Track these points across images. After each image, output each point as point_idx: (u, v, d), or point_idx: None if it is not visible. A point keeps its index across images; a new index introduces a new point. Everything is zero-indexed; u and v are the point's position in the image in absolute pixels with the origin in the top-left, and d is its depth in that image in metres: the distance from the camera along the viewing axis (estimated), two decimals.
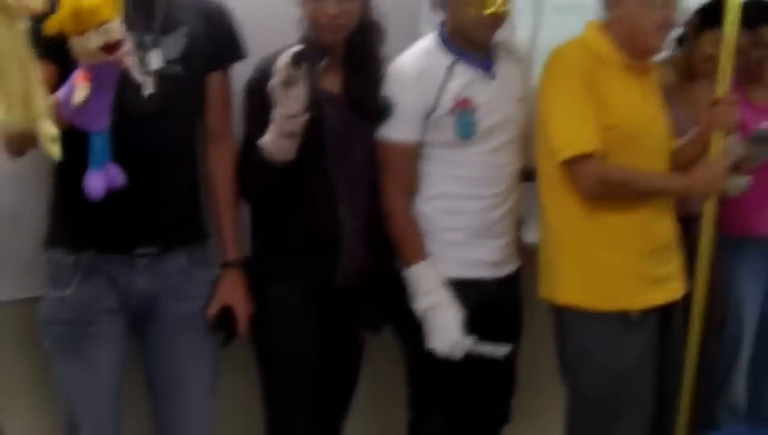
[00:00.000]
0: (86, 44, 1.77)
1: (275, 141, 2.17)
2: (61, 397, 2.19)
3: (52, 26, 1.75)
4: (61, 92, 1.85)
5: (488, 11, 2.34)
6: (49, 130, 1.79)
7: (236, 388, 2.48)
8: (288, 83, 2.11)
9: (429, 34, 2.49)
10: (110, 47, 1.78)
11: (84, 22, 1.75)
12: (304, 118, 2.16)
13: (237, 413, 2.54)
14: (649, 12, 2.37)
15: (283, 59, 2.10)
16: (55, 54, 1.87)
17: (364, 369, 2.60)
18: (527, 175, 2.58)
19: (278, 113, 2.15)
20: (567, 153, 2.35)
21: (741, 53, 2.66)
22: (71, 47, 1.78)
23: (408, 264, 2.41)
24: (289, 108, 2.13)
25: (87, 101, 1.81)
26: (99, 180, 1.91)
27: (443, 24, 2.46)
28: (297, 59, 2.10)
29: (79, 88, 1.81)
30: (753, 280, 3.05)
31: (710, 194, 2.50)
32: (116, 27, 1.79)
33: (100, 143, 1.90)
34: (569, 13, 2.69)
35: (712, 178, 2.42)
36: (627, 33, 2.40)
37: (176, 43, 2.14)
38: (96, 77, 1.82)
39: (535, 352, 2.71)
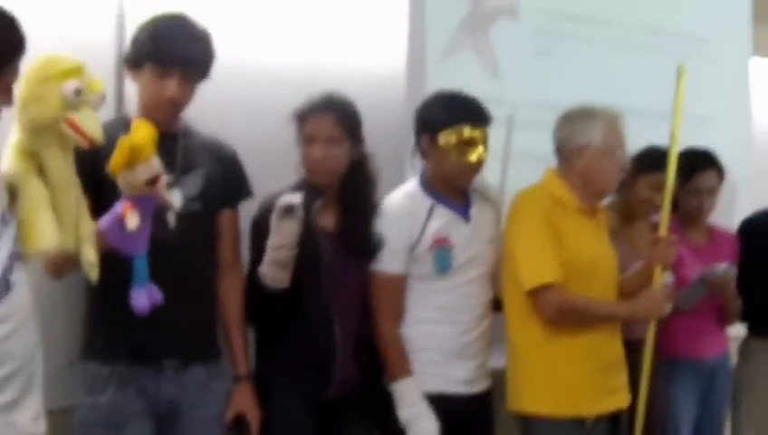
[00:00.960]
0: (134, 178, 2.12)
1: (268, 269, 2.52)
2: None
3: (115, 165, 2.10)
4: (104, 221, 2.17)
5: (471, 158, 2.76)
6: (90, 255, 2.11)
7: None
8: (281, 217, 2.47)
9: (412, 179, 2.93)
10: (153, 181, 2.14)
11: (134, 158, 2.10)
12: (293, 251, 2.52)
13: None
14: (610, 161, 2.84)
15: (284, 199, 2.49)
16: (90, 186, 2.19)
17: None
18: (497, 305, 2.98)
19: (269, 244, 2.51)
20: (531, 284, 2.78)
21: (677, 198, 3.14)
22: (118, 181, 2.13)
23: (394, 379, 2.78)
24: (278, 240, 2.49)
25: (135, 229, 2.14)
26: (143, 298, 2.23)
27: (423, 170, 2.89)
28: (291, 205, 2.46)
29: (130, 217, 2.13)
30: (686, 399, 3.45)
31: (652, 318, 2.94)
32: (157, 163, 2.15)
33: (141, 265, 2.23)
34: (531, 159, 3.12)
35: (653, 305, 2.87)
36: (586, 180, 2.88)
37: (194, 183, 2.52)
38: (140, 207, 2.16)
39: None
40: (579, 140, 2.89)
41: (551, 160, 2.99)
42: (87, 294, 2.48)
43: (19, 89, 1.97)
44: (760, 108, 4.43)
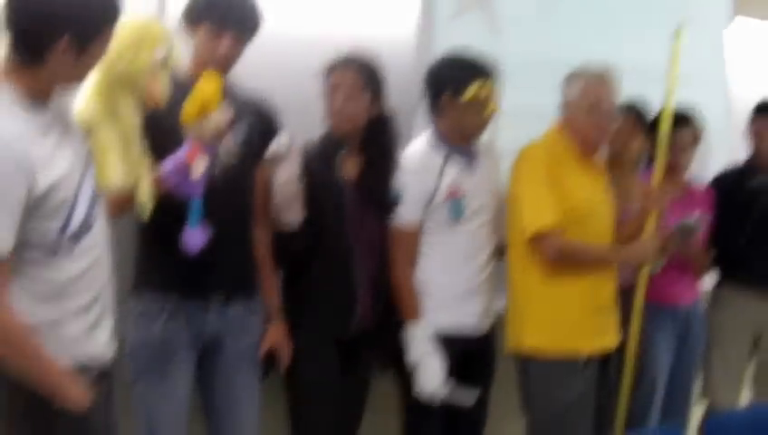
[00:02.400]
0: (206, 126, 2.44)
1: (279, 208, 2.90)
2: (139, 415, 2.77)
3: (189, 114, 2.43)
4: (168, 166, 2.47)
5: (488, 112, 3.15)
6: (145, 195, 2.42)
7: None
8: (278, 158, 2.89)
9: (422, 135, 3.27)
10: (222, 129, 2.46)
11: (205, 108, 2.42)
12: (295, 187, 2.90)
13: None
14: (590, 116, 3.21)
15: (278, 140, 2.90)
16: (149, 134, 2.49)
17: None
18: (500, 252, 3.35)
19: (275, 185, 2.90)
20: (533, 229, 3.15)
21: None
22: (189, 129, 2.45)
23: (408, 320, 3.13)
24: (279, 178, 2.89)
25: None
26: (198, 237, 2.56)
27: (435, 126, 3.23)
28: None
29: (198, 163, 2.46)
30: (664, 342, 3.85)
31: (644, 262, 3.30)
32: (226, 112, 2.48)
33: (198, 207, 2.56)
34: (534, 115, 3.47)
35: (646, 251, 3.22)
36: (575, 132, 3.24)
37: (240, 134, 2.81)
38: (206, 154, 2.48)
39: (498, 394, 3.44)
40: (565, 97, 3.28)
41: (553, 116, 3.35)
42: (140, 233, 2.78)
43: (113, 43, 2.21)
44: (739, 66, 4.78)
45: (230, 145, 2.75)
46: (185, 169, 2.45)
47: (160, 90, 2.38)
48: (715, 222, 3.93)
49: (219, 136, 2.50)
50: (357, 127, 3.04)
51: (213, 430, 2.89)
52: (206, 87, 2.43)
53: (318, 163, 2.96)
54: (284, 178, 2.85)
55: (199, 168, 2.45)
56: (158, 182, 2.46)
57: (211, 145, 2.49)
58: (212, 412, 2.88)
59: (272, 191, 2.88)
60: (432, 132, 3.25)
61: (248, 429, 2.89)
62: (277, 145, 2.85)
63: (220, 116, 2.47)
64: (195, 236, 2.56)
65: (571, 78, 3.28)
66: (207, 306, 2.78)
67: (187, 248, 2.56)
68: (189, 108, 2.42)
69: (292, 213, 2.89)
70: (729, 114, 4.46)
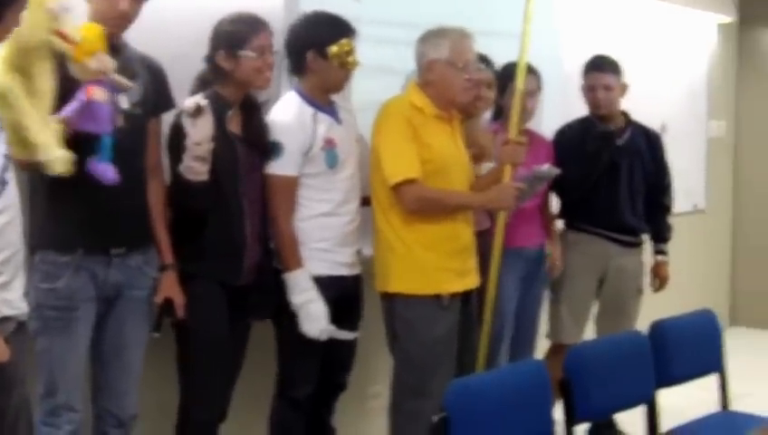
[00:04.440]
0: (89, 66, 2.71)
1: (189, 165, 3.14)
2: (41, 368, 2.98)
3: (76, 55, 2.67)
4: (69, 108, 2.71)
5: (351, 67, 3.53)
6: (59, 152, 2.62)
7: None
8: (195, 115, 3.08)
9: (290, 92, 3.58)
10: (104, 70, 2.75)
11: (91, 49, 2.70)
12: (210, 145, 3.14)
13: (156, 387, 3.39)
14: (457, 74, 3.60)
15: (190, 100, 3.12)
16: None
17: None
18: (364, 201, 3.73)
19: (189, 142, 3.11)
20: (395, 179, 3.55)
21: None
22: (75, 69, 2.70)
23: (288, 269, 3.47)
24: (196, 136, 3.09)
25: (99, 106, 2.72)
26: (110, 171, 2.83)
27: (299, 84, 3.58)
28: (199, 104, 3.07)
29: (96, 92, 2.73)
30: (512, 282, 4.32)
31: (501, 208, 3.76)
32: (107, 58, 2.77)
33: (108, 142, 2.83)
34: (390, 73, 3.88)
35: (503, 197, 3.65)
36: (438, 91, 3.65)
37: (137, 90, 3.06)
38: (101, 87, 2.75)
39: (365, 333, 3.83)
40: (431, 55, 3.62)
41: (400, 74, 3.79)
42: (37, 192, 2.98)
43: None
44: (568, 24, 5.28)
45: (126, 102, 3.00)
46: (87, 107, 2.72)
47: (70, 31, 2.63)
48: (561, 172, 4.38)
49: (106, 73, 2.75)
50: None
51: (99, 374, 3.16)
52: (87, 32, 2.70)
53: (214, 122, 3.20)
54: (199, 136, 3.06)
55: (99, 95, 2.72)
56: (65, 124, 2.69)
57: (102, 82, 2.75)
58: (99, 356, 3.13)
59: (186, 148, 3.11)
60: (298, 90, 3.57)
61: (133, 374, 3.18)
62: (189, 104, 3.06)
63: (106, 57, 2.73)
64: (107, 170, 2.81)
65: (433, 37, 3.66)
66: (110, 260, 3.03)
67: (102, 179, 2.80)
68: (77, 50, 2.67)
69: (202, 172, 3.12)
70: (561, 71, 4.92)
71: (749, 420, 3.49)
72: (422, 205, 3.57)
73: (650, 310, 4.41)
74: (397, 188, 3.54)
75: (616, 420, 4.66)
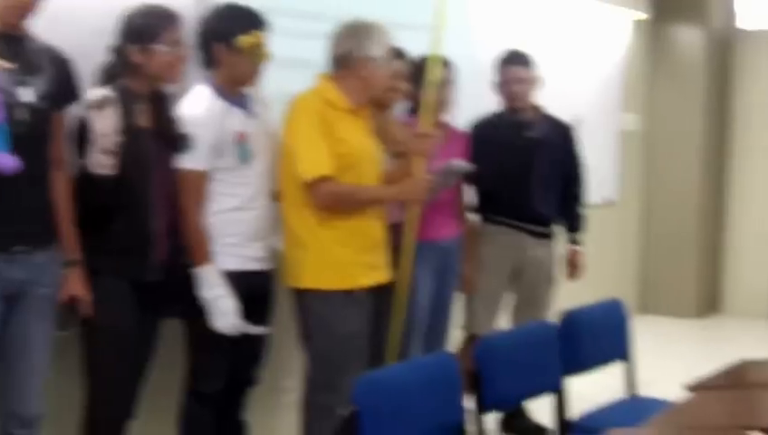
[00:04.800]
0: None
1: (95, 158, 3.10)
2: None
3: None
4: None
5: (261, 59, 3.52)
6: None
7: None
8: (99, 107, 3.04)
9: (201, 86, 3.54)
10: None
11: None
12: (116, 138, 3.12)
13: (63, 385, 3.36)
14: (384, 73, 3.64)
15: (94, 93, 3.10)
16: None
17: None
18: (273, 196, 3.72)
19: (93, 134, 3.09)
20: (308, 176, 3.54)
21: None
22: None
23: (198, 264, 3.44)
24: (103, 128, 3.07)
25: None
26: (10, 159, 2.78)
27: (211, 77, 3.54)
28: (104, 96, 3.07)
29: None
30: (425, 274, 4.33)
31: (414, 201, 3.79)
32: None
33: (2, 131, 2.77)
34: (296, 64, 3.86)
35: (416, 190, 3.67)
36: (366, 87, 3.66)
37: (42, 82, 3.01)
38: None
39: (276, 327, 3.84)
40: (364, 52, 3.65)
41: (312, 66, 3.75)
42: None
43: None
44: (481, 17, 5.34)
45: (31, 94, 2.94)
46: None
47: None
48: (477, 164, 4.43)
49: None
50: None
51: (3, 374, 3.10)
52: None
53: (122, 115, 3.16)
54: (104, 128, 3.02)
55: None
56: None
57: None
58: (4, 356, 3.08)
59: (91, 141, 3.07)
60: (209, 82, 3.54)
61: (38, 374, 3.13)
62: (94, 96, 3.01)
63: None
64: (6, 160, 2.76)
65: (363, 34, 3.67)
66: (13, 258, 2.97)
67: (1, 169, 2.76)
68: None
69: (110, 165, 3.08)
70: (475, 64, 4.96)
71: (654, 405, 3.56)
72: (336, 201, 3.58)
73: (562, 300, 4.49)
74: (310, 185, 3.53)
75: (526, 408, 4.73)
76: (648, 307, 7.65)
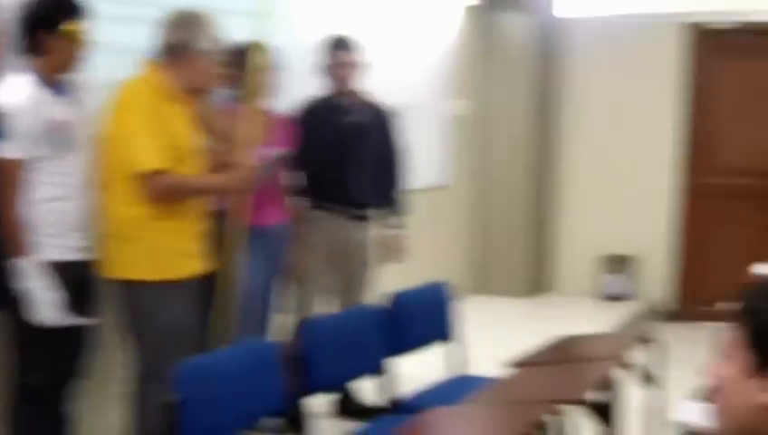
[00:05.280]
0: None
1: None
2: None
3: None
4: None
5: (84, 46, 3.47)
6: None
7: None
8: None
9: (21, 73, 3.44)
10: None
11: None
12: None
13: None
14: (211, 64, 3.65)
15: None
16: None
17: None
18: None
19: None
20: (142, 168, 3.51)
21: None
22: None
23: (17, 255, 3.35)
24: None
25: None
26: None
27: (33, 65, 3.45)
28: None
29: None
30: (253, 260, 4.32)
31: (243, 188, 3.81)
32: None
33: None
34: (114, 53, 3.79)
35: (244, 177, 3.68)
36: (197, 78, 3.66)
37: None
38: None
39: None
40: (195, 43, 3.65)
41: (137, 52, 3.71)
42: None
43: None
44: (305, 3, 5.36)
45: None
46: None
47: None
48: (299, 150, 4.50)
49: None
50: None
51: None
52: None
53: None
54: None
55: None
56: None
57: None
58: None
59: None
60: (29, 70, 3.44)
61: None
62: None
63: None
64: None
65: (193, 24, 3.65)
66: None
67: None
68: None
69: None
70: (299, 49, 4.98)
71: (480, 382, 3.68)
72: (169, 193, 3.56)
73: (395, 283, 4.55)
74: (144, 177, 3.49)
75: (356, 389, 4.79)
76: (480, 288, 7.85)
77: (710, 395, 1.55)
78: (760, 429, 1.47)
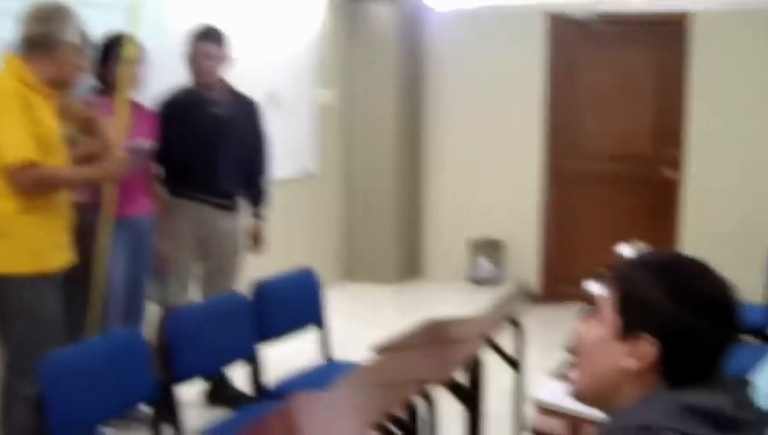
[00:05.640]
0: None
1: None
2: None
3: None
4: None
5: None
6: None
7: None
8: None
9: None
10: None
11: None
12: None
13: None
14: (77, 58, 3.60)
15: None
16: None
17: None
18: None
19: None
20: (14, 161, 3.42)
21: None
22: None
23: None
24: None
25: None
26: None
27: None
28: None
29: None
30: (120, 250, 4.31)
31: (110, 179, 3.80)
32: None
33: None
34: None
35: (112, 168, 3.68)
36: (62, 72, 3.61)
37: None
38: None
39: None
40: (59, 36, 3.59)
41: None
42: None
43: None
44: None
45: None
46: None
47: None
48: (164, 141, 4.49)
49: None
50: None
51: None
52: None
53: None
54: None
55: None
56: None
57: None
58: None
59: None
60: None
61: None
62: None
63: None
64: None
65: (58, 18, 3.58)
66: None
67: None
68: None
69: None
70: (166, 40, 4.93)
71: (347, 368, 3.72)
72: (40, 185, 3.51)
73: (266, 271, 4.55)
74: (14, 171, 3.41)
75: (229, 378, 4.79)
76: (351, 275, 7.91)
77: (573, 354, 1.62)
78: (616, 392, 1.55)
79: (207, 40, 4.67)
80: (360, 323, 5.93)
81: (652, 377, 1.52)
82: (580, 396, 1.64)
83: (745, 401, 1.55)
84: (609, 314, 1.56)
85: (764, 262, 4.97)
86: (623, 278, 1.58)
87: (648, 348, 1.51)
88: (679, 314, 1.50)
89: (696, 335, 1.50)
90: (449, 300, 7.20)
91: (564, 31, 7.58)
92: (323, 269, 4.41)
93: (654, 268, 1.55)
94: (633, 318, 1.53)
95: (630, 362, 1.53)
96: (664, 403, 1.48)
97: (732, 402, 1.49)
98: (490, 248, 7.85)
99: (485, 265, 7.83)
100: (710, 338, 1.51)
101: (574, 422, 3.30)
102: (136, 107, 4.34)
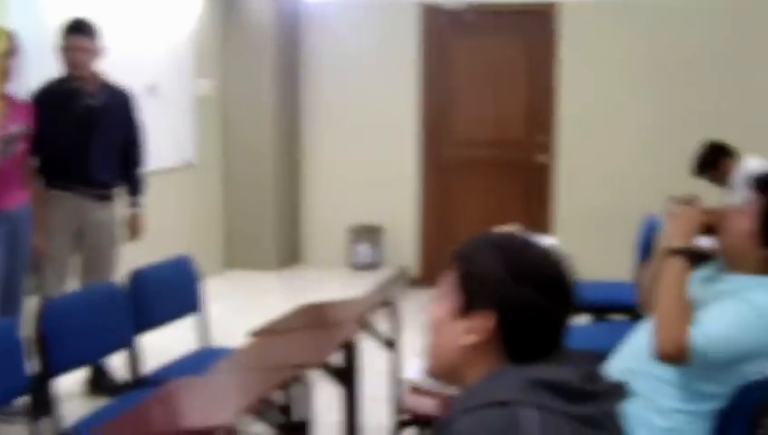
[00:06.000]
0: None
1: None
2: None
3: None
4: None
5: None
6: None
7: None
8: None
9: None
10: None
11: None
12: None
13: None
14: None
15: None
16: None
17: None
18: None
19: None
20: None
21: None
22: None
23: None
24: None
25: None
26: None
27: None
28: None
29: None
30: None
31: None
32: None
33: None
34: None
35: None
36: None
37: None
38: None
39: None
40: None
41: None
42: None
43: None
44: None
45: None
46: None
47: None
48: (38, 132, 4.46)
49: None
50: None
51: None
52: None
53: None
54: None
55: None
56: None
57: None
58: None
59: None
60: None
61: None
62: None
63: None
64: None
65: None
66: None
67: None
68: None
69: None
70: (41, 31, 4.89)
71: (223, 353, 3.78)
72: None
73: (143, 260, 4.57)
74: None
75: (109, 367, 4.79)
76: (232, 262, 7.93)
77: (426, 334, 1.71)
78: (464, 368, 1.63)
79: (78, 33, 4.65)
80: (241, 310, 5.98)
81: (495, 353, 1.58)
82: (433, 374, 1.71)
83: (593, 374, 1.61)
84: (452, 294, 1.64)
85: (633, 242, 5.19)
86: (463, 258, 1.65)
87: (484, 322, 1.58)
88: (514, 286, 1.56)
89: (530, 308, 1.56)
90: (330, 285, 7.30)
91: (437, 21, 7.75)
92: (205, 258, 4.45)
93: (490, 246, 1.63)
94: (472, 295, 1.60)
95: (469, 339, 1.59)
96: (510, 379, 1.52)
97: (579, 375, 1.55)
98: (369, 234, 7.97)
99: (365, 251, 7.95)
100: (545, 311, 1.57)
101: (445, 401, 3.41)
102: (7, 99, 4.31)
